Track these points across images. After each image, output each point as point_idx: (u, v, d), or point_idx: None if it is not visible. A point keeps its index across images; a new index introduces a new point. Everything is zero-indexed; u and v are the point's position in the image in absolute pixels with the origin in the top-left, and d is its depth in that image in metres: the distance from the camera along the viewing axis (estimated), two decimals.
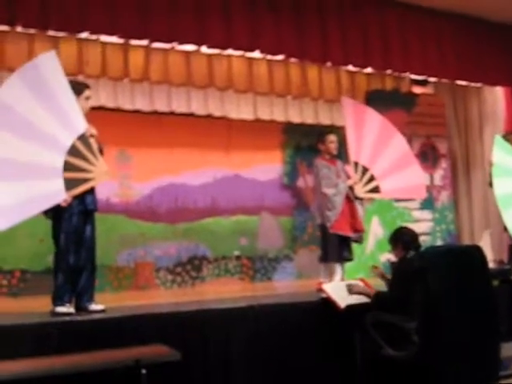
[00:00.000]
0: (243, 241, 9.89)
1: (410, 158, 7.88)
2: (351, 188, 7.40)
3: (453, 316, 4.67)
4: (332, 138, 7.59)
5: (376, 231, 9.60)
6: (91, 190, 5.68)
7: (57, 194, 5.27)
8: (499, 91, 10.52)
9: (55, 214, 5.48)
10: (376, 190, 7.57)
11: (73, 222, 5.56)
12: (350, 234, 7.35)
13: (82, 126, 5.46)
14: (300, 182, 10.37)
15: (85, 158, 5.44)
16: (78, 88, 5.77)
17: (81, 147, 5.42)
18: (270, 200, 10.12)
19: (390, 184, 7.62)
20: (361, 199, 7.57)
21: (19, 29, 6.87)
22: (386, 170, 7.61)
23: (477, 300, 4.80)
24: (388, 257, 8.70)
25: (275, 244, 10.11)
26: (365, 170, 7.53)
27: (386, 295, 5.70)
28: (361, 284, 6.20)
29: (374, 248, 9.48)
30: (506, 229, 8.29)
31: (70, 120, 5.42)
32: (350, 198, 7.39)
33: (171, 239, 9.35)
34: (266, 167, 10.13)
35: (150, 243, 9.20)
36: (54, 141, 5.32)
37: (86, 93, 5.79)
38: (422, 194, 8.24)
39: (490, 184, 8.41)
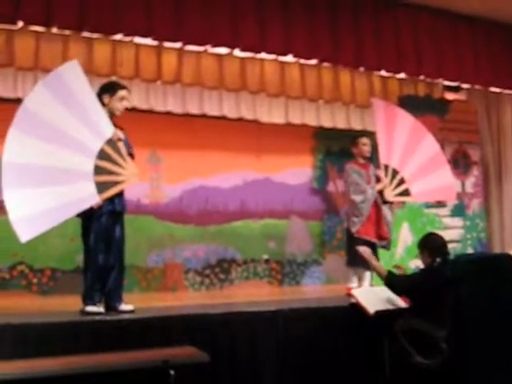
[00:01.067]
0: (272, 244, 9.89)
1: (440, 160, 7.78)
2: (380, 192, 7.35)
3: (483, 325, 4.64)
4: (364, 140, 7.56)
5: (405, 237, 9.54)
6: (120, 192, 5.72)
7: (90, 197, 5.38)
8: None
9: (85, 214, 5.51)
10: (406, 193, 7.50)
11: (102, 222, 5.59)
12: (375, 240, 7.31)
13: (108, 130, 5.54)
14: (330, 187, 10.36)
15: (114, 162, 5.52)
16: (113, 88, 5.82)
17: (109, 151, 5.50)
18: (300, 204, 10.12)
19: (420, 187, 7.54)
20: (390, 203, 7.52)
21: (54, 30, 6.93)
22: (416, 172, 7.53)
23: (507, 308, 4.76)
24: (417, 263, 8.64)
25: (304, 248, 10.11)
26: (395, 172, 7.47)
27: (397, 280, 5.68)
28: (376, 263, 6.13)
29: (404, 254, 9.43)
30: None
31: (96, 125, 5.51)
32: (378, 204, 7.34)
33: (200, 241, 9.39)
34: (297, 171, 10.13)
35: (179, 245, 9.25)
36: (82, 146, 5.42)
37: (121, 93, 5.81)
38: (452, 196, 8.14)
39: None
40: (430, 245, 5.70)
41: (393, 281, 5.66)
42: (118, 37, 7.12)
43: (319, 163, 10.35)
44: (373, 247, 7.35)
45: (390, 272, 5.79)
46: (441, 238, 5.83)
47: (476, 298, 4.68)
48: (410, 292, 5.55)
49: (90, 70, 7.39)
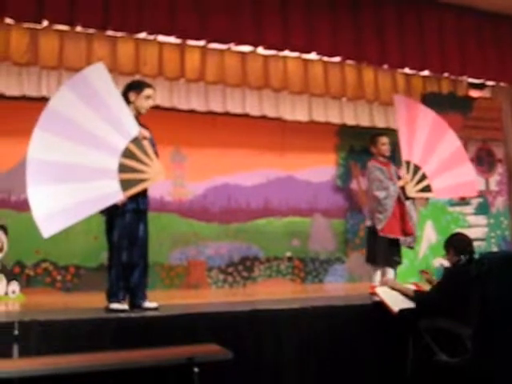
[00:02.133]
0: (295, 242, 9.89)
1: (461, 156, 7.72)
2: (402, 188, 7.31)
3: (509, 323, 4.60)
4: (384, 139, 7.53)
5: (429, 236, 9.50)
6: (144, 191, 5.74)
7: (114, 194, 5.41)
8: None
9: (109, 211, 5.54)
10: (427, 189, 7.45)
11: (126, 220, 5.61)
12: (400, 237, 7.28)
13: (134, 129, 5.59)
14: (353, 185, 10.35)
15: (139, 160, 5.56)
16: (139, 86, 5.86)
17: (134, 149, 5.54)
18: (323, 202, 10.11)
19: (442, 183, 7.48)
20: (412, 199, 7.48)
21: (78, 28, 6.98)
22: (437, 168, 7.47)
23: None
24: (441, 261, 8.61)
25: (327, 246, 10.10)
26: (416, 168, 7.41)
27: (426, 297, 5.67)
28: (402, 287, 6.14)
29: (427, 252, 9.39)
30: None
31: (122, 125, 5.57)
32: (401, 201, 7.31)
33: (223, 239, 9.42)
34: (320, 169, 10.13)
35: (202, 242, 9.27)
36: (107, 144, 5.48)
37: (147, 91, 5.84)
38: (473, 191, 8.08)
39: None
40: (456, 244, 5.68)
41: (422, 303, 5.66)
42: (142, 35, 7.15)
43: (342, 161, 10.34)
44: (396, 245, 7.33)
45: (415, 293, 5.81)
46: (467, 237, 5.81)
47: (502, 296, 4.64)
48: (442, 304, 5.50)
49: (113, 69, 7.45)
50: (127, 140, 5.55)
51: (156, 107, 7.93)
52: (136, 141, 5.58)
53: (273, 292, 8.71)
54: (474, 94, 10.27)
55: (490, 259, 4.81)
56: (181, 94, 8.48)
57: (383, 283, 6.33)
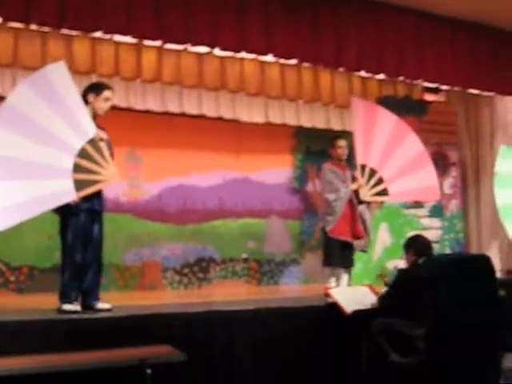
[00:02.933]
0: (251, 244, 9.89)
1: (423, 159, 7.77)
2: (356, 192, 7.36)
3: (459, 324, 4.67)
4: (341, 143, 7.58)
5: (384, 238, 9.56)
6: (99, 191, 5.73)
7: (67, 193, 5.41)
8: (510, 101, 10.49)
9: (63, 211, 5.51)
10: (384, 192, 7.50)
11: (80, 220, 5.60)
12: (350, 239, 7.34)
13: (91, 130, 5.60)
14: (309, 187, 10.37)
15: (94, 161, 5.57)
16: (98, 88, 5.88)
17: (90, 150, 5.55)
18: (279, 204, 10.13)
19: (401, 186, 7.53)
20: (367, 203, 7.54)
21: (33, 27, 6.90)
22: (396, 172, 7.51)
23: (483, 309, 4.79)
24: (395, 264, 8.68)
25: (283, 248, 10.12)
26: (372, 172, 7.47)
27: (387, 302, 5.73)
28: None
29: (382, 255, 9.45)
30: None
31: (79, 125, 5.58)
32: (353, 204, 7.36)
33: (179, 240, 9.38)
34: (276, 171, 10.14)
35: (157, 243, 9.22)
36: (63, 144, 5.48)
37: (106, 94, 5.85)
38: (435, 196, 8.15)
39: None
40: (416, 245, 5.77)
41: (386, 308, 5.73)
42: (98, 34, 7.09)
43: (299, 163, 10.36)
44: (349, 248, 7.38)
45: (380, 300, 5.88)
46: (427, 239, 5.89)
47: (453, 297, 4.70)
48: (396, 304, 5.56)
49: (69, 68, 7.26)
50: (84, 140, 5.56)
51: (112, 107, 7.90)
52: (92, 142, 5.58)
53: (228, 293, 8.70)
54: (429, 97, 10.39)
55: (440, 261, 4.89)
56: (137, 94, 8.43)
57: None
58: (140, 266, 9.08)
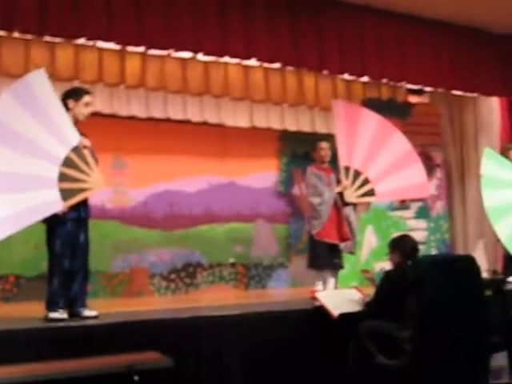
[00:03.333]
0: (238, 248, 9.89)
1: (411, 158, 7.79)
2: (341, 194, 7.39)
3: (446, 326, 4.68)
4: (323, 145, 7.61)
5: (370, 240, 9.60)
6: (84, 199, 5.72)
7: (53, 204, 5.41)
8: (494, 101, 10.54)
9: (50, 220, 5.50)
10: (370, 193, 7.52)
11: (67, 229, 5.59)
12: (336, 242, 7.36)
13: (74, 138, 5.59)
14: (295, 190, 10.37)
15: (79, 169, 5.57)
16: (78, 93, 5.85)
17: (75, 158, 5.55)
18: (265, 208, 10.13)
19: (388, 185, 7.54)
20: (353, 205, 7.55)
21: (16, 34, 6.88)
22: (383, 171, 7.54)
23: (470, 310, 4.81)
24: (382, 265, 8.69)
25: (270, 252, 10.12)
26: (357, 173, 7.49)
27: (372, 307, 5.73)
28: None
29: (368, 256, 9.48)
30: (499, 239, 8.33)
31: (62, 133, 5.57)
32: (338, 206, 7.39)
33: (166, 246, 9.35)
34: (262, 175, 10.14)
35: (144, 249, 9.20)
36: (48, 154, 5.47)
37: (85, 99, 5.83)
38: (425, 192, 8.17)
39: None
40: (404, 246, 5.76)
41: (372, 313, 5.74)
42: (81, 41, 7.08)
43: (284, 166, 10.36)
44: (336, 250, 7.40)
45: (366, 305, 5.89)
46: (414, 241, 5.89)
47: (439, 298, 4.72)
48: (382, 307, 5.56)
49: (52, 75, 7.29)
50: (68, 149, 5.54)
51: (96, 114, 7.89)
52: (76, 150, 5.58)
53: (216, 298, 8.70)
54: (412, 99, 10.43)
55: (426, 263, 4.90)
56: (121, 100, 8.39)
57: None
58: (127, 272, 9.06)
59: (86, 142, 5.72)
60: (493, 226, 8.04)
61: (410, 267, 5.41)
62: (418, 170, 7.79)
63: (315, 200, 7.34)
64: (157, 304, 8.38)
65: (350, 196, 7.43)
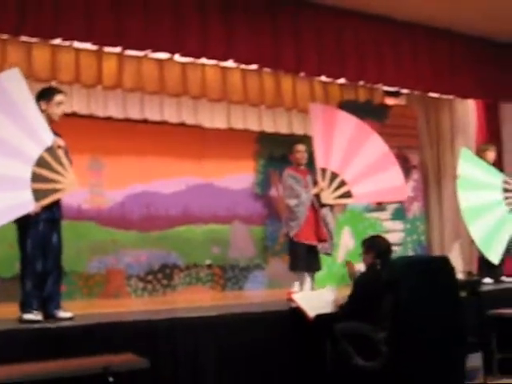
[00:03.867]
0: (215, 249, 9.88)
1: (388, 160, 7.84)
2: (317, 196, 7.42)
3: (421, 327, 4.71)
4: (299, 147, 7.65)
5: (347, 241, 9.64)
6: (57, 199, 5.68)
7: (26, 204, 5.38)
8: (470, 103, 10.62)
9: (22, 220, 5.47)
10: (347, 195, 7.57)
11: (40, 229, 5.55)
12: (315, 243, 7.39)
13: (48, 138, 5.55)
14: (272, 192, 10.37)
15: (53, 169, 5.54)
16: (50, 93, 5.80)
17: (48, 159, 5.51)
18: (242, 209, 10.13)
19: (366, 187, 7.60)
20: (330, 206, 7.59)
21: None
22: (360, 173, 7.59)
23: (445, 311, 4.84)
24: (359, 267, 8.72)
25: (247, 253, 10.12)
26: (334, 175, 7.53)
27: (347, 309, 5.74)
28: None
29: (345, 257, 9.50)
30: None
31: (36, 133, 5.53)
32: (315, 207, 7.42)
33: (143, 247, 9.33)
34: (239, 176, 10.14)
35: (121, 251, 9.17)
36: (21, 153, 5.43)
37: (57, 98, 5.77)
38: (403, 195, 8.23)
39: None
40: (378, 246, 5.78)
41: (346, 315, 5.75)
42: (57, 41, 7.04)
43: (261, 168, 10.37)
44: (314, 252, 7.43)
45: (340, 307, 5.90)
46: (387, 241, 5.92)
47: (414, 300, 4.74)
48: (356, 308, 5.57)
49: (29, 75, 7.29)
50: (41, 149, 5.50)
51: (73, 114, 7.90)
52: (50, 150, 5.54)
53: (192, 300, 8.69)
54: (389, 101, 10.47)
55: (401, 264, 4.92)
56: (98, 101, 8.37)
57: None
58: (104, 273, 9.02)
59: (61, 142, 5.68)
60: (467, 226, 8.11)
61: (384, 268, 5.44)
62: (395, 172, 7.85)
63: (292, 202, 7.37)
64: (133, 305, 8.34)
65: (327, 198, 7.47)
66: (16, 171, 5.36)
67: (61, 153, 5.62)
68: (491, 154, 8.82)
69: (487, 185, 8.47)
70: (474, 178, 8.38)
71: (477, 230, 8.16)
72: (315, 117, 7.82)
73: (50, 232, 5.64)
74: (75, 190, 5.76)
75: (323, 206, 7.46)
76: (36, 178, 5.42)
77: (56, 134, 5.71)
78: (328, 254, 7.71)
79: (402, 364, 4.71)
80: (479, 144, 9.92)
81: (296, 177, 7.50)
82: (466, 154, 8.51)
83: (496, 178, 8.61)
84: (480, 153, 8.81)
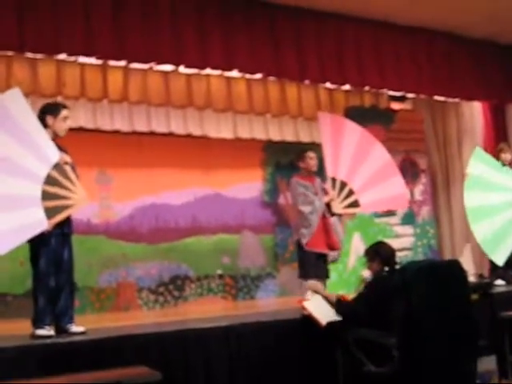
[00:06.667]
0: (225, 259, 9.88)
1: (391, 169, 7.87)
2: (328, 205, 7.43)
3: (433, 331, 4.68)
4: (312, 154, 7.63)
5: (357, 247, 9.61)
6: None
7: (39, 223, 5.38)
8: (477, 106, 10.61)
9: (34, 238, 5.48)
10: (355, 204, 7.58)
11: (51, 245, 5.56)
12: (325, 251, 7.38)
13: (54, 155, 5.56)
14: (281, 200, 10.38)
15: (62, 186, 5.55)
16: (55, 109, 5.80)
17: (57, 176, 5.53)
18: (251, 218, 10.13)
19: (370, 197, 7.62)
20: (339, 215, 7.60)
21: None
22: (365, 182, 7.61)
23: (456, 315, 4.80)
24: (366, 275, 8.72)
25: (257, 262, 10.11)
26: (343, 184, 7.54)
27: (348, 308, 5.72)
28: (327, 294, 6.21)
29: (356, 264, 9.49)
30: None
31: (42, 151, 5.53)
32: (326, 215, 7.42)
33: (153, 259, 9.34)
34: (247, 185, 10.15)
35: (131, 264, 9.18)
36: (29, 172, 5.44)
37: (64, 113, 5.78)
38: (404, 204, 8.25)
39: None
40: (383, 253, 5.75)
41: (343, 313, 5.72)
42: (62, 57, 7.07)
43: (269, 176, 10.37)
44: (324, 260, 7.42)
45: (337, 302, 5.87)
46: (392, 247, 5.90)
47: (426, 304, 4.72)
48: (365, 314, 5.54)
49: (34, 91, 7.37)
50: (49, 166, 5.51)
51: (80, 129, 7.92)
52: (58, 166, 5.55)
53: (204, 310, 8.68)
54: (395, 106, 10.47)
55: (412, 269, 4.90)
56: (104, 114, 8.40)
57: (311, 285, 6.40)
58: (115, 287, 9.03)
59: (67, 158, 5.69)
60: (470, 225, 8.06)
61: (393, 273, 5.43)
62: (397, 181, 7.87)
63: (306, 208, 7.33)
64: (145, 318, 8.36)
65: (337, 207, 7.48)
66: (26, 190, 5.37)
67: (68, 168, 5.63)
68: (506, 155, 8.75)
69: (498, 185, 8.39)
70: (483, 178, 8.31)
71: (481, 231, 8.10)
72: (324, 125, 7.83)
73: (62, 248, 5.65)
74: (85, 204, 5.77)
75: (333, 215, 7.47)
76: (46, 195, 5.43)
77: (62, 149, 5.71)
78: (334, 262, 7.70)
79: (413, 369, 4.69)
80: (486, 146, 9.89)
81: (306, 184, 7.48)
82: (478, 153, 8.43)
83: (510, 178, 8.50)
84: (496, 153, 8.74)
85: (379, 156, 7.83)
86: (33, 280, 5.65)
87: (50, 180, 5.48)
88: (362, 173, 7.65)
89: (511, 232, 8.29)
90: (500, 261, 8.20)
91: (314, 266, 7.34)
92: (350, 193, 7.55)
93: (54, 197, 5.49)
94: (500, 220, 8.26)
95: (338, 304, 5.84)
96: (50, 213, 5.43)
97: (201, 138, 9.24)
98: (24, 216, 5.33)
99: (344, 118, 8.39)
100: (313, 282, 6.69)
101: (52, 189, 5.48)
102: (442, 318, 4.73)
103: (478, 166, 8.33)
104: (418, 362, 4.66)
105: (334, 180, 7.55)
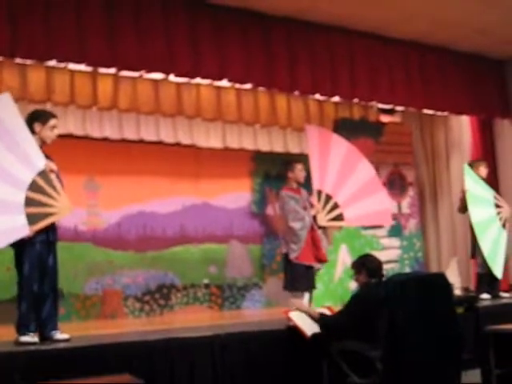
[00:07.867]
0: (212, 269, 9.87)
1: (375, 185, 7.94)
2: (314, 217, 7.46)
3: (417, 344, 4.69)
4: (301, 166, 7.66)
5: (344, 259, 9.62)
6: (52, 222, 5.69)
7: (20, 228, 5.38)
8: (465, 120, 10.65)
9: (18, 243, 5.47)
10: (339, 217, 7.63)
11: (36, 251, 5.54)
12: (314, 264, 7.40)
13: (41, 162, 5.55)
14: (269, 210, 10.39)
15: (46, 193, 5.54)
16: (44, 117, 5.79)
17: (41, 183, 5.52)
18: (239, 228, 10.13)
19: (355, 211, 7.68)
20: (324, 228, 7.63)
21: None
22: (350, 197, 7.67)
23: (440, 328, 4.81)
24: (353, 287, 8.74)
25: (244, 272, 10.11)
26: (328, 198, 7.59)
27: (332, 320, 5.74)
28: (310, 310, 6.23)
29: (343, 275, 9.50)
30: (473, 256, 8.40)
31: (28, 157, 5.54)
32: (314, 228, 7.44)
33: (139, 267, 9.32)
34: (235, 195, 10.16)
35: (118, 271, 9.16)
36: (14, 178, 5.45)
37: (52, 122, 5.77)
38: (388, 220, 8.32)
39: (460, 209, 8.53)
40: (370, 265, 5.78)
41: (327, 326, 5.74)
42: (52, 63, 7.07)
43: (257, 187, 10.38)
44: (311, 271, 7.44)
45: (321, 317, 5.89)
46: (378, 259, 5.92)
47: (410, 317, 4.72)
48: (349, 327, 5.56)
49: (24, 97, 7.35)
50: (34, 173, 5.51)
51: (69, 135, 7.91)
52: (43, 174, 5.54)
53: (190, 319, 8.68)
54: (384, 119, 10.51)
55: (396, 281, 4.91)
56: (93, 122, 8.39)
57: (295, 303, 6.43)
58: (101, 294, 9.01)
59: (53, 166, 5.67)
60: (479, 241, 8.10)
61: (379, 286, 5.44)
62: (382, 197, 7.92)
63: (297, 225, 7.36)
64: (131, 326, 8.32)
65: (322, 220, 7.53)
66: (9, 195, 5.37)
67: (53, 177, 5.62)
68: (484, 170, 8.81)
69: (486, 200, 8.49)
70: (478, 193, 8.40)
71: (486, 246, 8.16)
72: (311, 138, 7.88)
73: (47, 255, 5.64)
74: (69, 213, 5.76)
75: (319, 227, 7.50)
76: (29, 202, 5.42)
77: (48, 157, 5.71)
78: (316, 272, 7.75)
79: (396, 382, 4.69)
80: (473, 160, 9.93)
81: (295, 197, 7.51)
82: (468, 170, 8.51)
83: (489, 193, 8.62)
84: (473, 169, 8.79)
85: (365, 171, 7.89)
86: (17, 285, 5.63)
87: (34, 187, 5.48)
88: (348, 187, 7.72)
89: (501, 245, 8.36)
90: (499, 274, 8.26)
91: (302, 277, 7.35)
92: (335, 206, 7.60)
93: (37, 204, 5.48)
94: (492, 234, 8.33)
95: (322, 319, 5.86)
96: (31, 219, 5.42)
97: (190, 146, 9.25)
98: (6, 221, 5.33)
99: (331, 132, 8.45)
100: (296, 301, 6.70)
101: (36, 196, 5.48)
102: (426, 331, 4.74)
103: (472, 182, 8.41)
104: (402, 374, 4.66)
105: (319, 193, 7.59)
